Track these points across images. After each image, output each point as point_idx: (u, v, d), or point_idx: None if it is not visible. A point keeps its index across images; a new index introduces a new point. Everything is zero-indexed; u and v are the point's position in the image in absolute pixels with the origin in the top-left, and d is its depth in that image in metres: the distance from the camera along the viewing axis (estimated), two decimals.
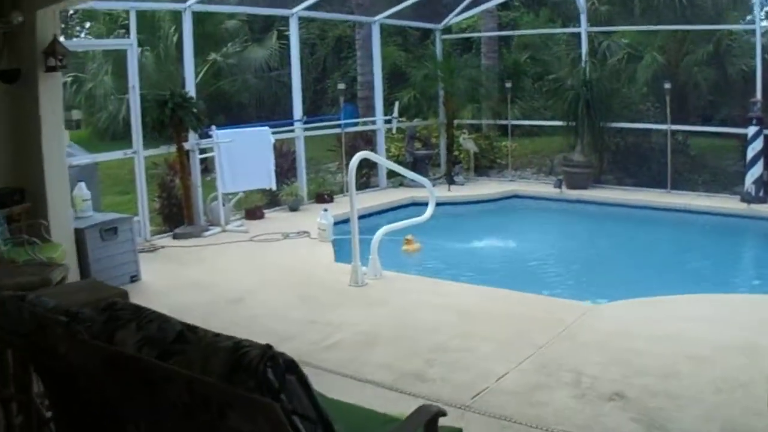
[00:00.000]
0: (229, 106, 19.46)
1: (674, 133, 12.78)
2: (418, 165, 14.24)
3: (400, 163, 14.65)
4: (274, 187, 11.16)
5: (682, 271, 9.16)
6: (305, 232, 10.06)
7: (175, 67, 16.27)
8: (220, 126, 11.16)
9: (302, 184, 12.29)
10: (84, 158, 9.99)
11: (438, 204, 13.29)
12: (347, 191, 13.46)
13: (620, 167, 13.50)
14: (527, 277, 8.91)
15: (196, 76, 11.30)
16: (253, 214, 11.29)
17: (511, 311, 6.72)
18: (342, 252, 8.75)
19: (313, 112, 14.09)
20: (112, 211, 9.04)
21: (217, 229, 10.37)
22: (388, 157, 14.70)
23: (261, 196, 12.32)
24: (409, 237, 9.86)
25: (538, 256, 10.01)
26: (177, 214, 10.58)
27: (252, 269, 8.48)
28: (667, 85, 12.34)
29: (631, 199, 12.44)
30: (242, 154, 10.63)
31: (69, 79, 17.72)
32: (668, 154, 12.58)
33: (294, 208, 11.80)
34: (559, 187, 13.04)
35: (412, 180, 9.02)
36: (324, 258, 8.79)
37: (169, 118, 9.82)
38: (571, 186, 13.14)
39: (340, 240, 9.75)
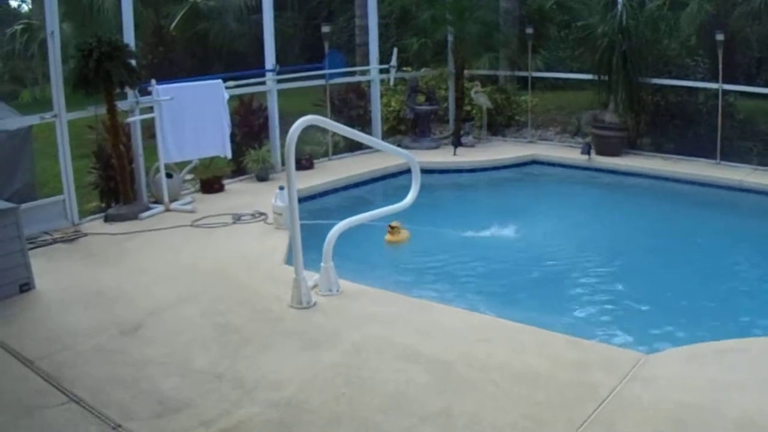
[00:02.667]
0: (219, 55, 16.90)
1: (725, 93, 10.11)
2: (420, 122, 11.87)
3: (400, 120, 12.20)
4: (228, 155, 8.70)
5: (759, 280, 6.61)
6: (262, 214, 7.65)
7: (146, 11, 13.74)
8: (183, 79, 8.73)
9: (275, 147, 9.82)
10: None
11: (439, 172, 11.04)
12: (333, 155, 11.54)
13: (659, 131, 10.88)
14: (545, 290, 6.51)
15: (173, 20, 8.77)
16: (210, 186, 8.89)
17: (517, 365, 4.34)
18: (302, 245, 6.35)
19: (313, 61, 11.58)
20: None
21: (160, 208, 7.98)
22: (388, 114, 12.26)
23: (228, 163, 9.85)
24: (394, 224, 7.39)
25: (561, 253, 7.53)
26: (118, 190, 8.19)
27: (175, 272, 6.19)
28: (720, 37, 9.73)
29: (675, 172, 9.92)
30: (189, 115, 8.28)
31: (19, 28, 15.18)
32: (718, 119, 10.00)
33: (262, 178, 9.40)
34: (588, 153, 10.50)
35: (396, 152, 6.35)
36: (273, 256, 6.42)
37: (94, 71, 7.42)
38: (602, 151, 10.60)
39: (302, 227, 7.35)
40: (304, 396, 4.01)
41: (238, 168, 9.76)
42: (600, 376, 4.07)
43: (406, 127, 12.43)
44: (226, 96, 8.68)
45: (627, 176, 10.14)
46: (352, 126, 11.40)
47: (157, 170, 8.20)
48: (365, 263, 6.89)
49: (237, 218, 7.60)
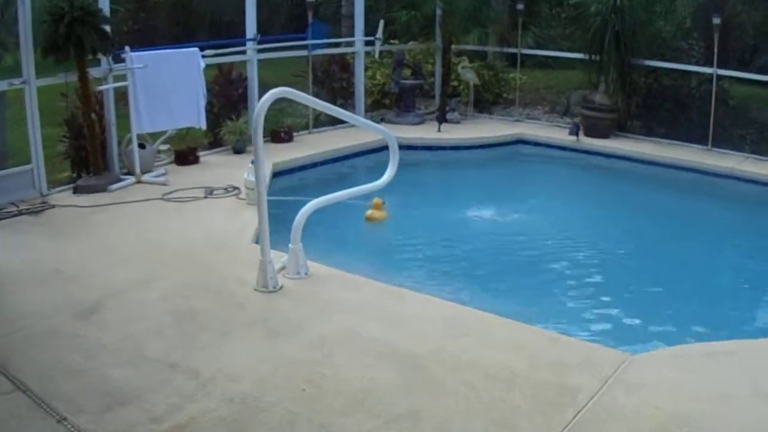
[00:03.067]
0: (204, 23, 16.37)
1: (719, 78, 9.79)
2: (405, 97, 11.50)
3: (384, 94, 11.82)
4: (203, 126, 8.30)
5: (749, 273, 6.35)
6: (235, 188, 7.30)
7: None
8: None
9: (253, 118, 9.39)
10: None
11: (422, 148, 10.64)
12: (314, 128, 11.14)
13: (651, 114, 10.57)
14: (528, 277, 6.17)
15: None
16: (185, 158, 8.51)
17: (493, 363, 4.01)
18: (274, 222, 5.92)
19: (300, 31, 11.16)
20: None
21: (131, 179, 7.62)
22: (373, 87, 11.94)
23: (205, 134, 9.45)
24: (377, 200, 7.06)
25: (546, 238, 7.23)
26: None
27: (140, 250, 5.84)
28: (716, 20, 9.36)
29: (665, 156, 9.59)
30: (163, 84, 7.86)
31: None
32: (712, 104, 9.67)
33: (239, 150, 9.03)
34: (576, 134, 10.18)
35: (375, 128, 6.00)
36: (242, 235, 6.09)
37: (65, 37, 7.03)
38: (591, 133, 10.29)
39: (275, 203, 7.00)
40: (261, 392, 3.70)
41: (215, 139, 9.36)
42: (581, 378, 3.79)
43: (391, 102, 12.06)
44: (203, 65, 8.27)
45: (615, 159, 9.82)
46: (334, 99, 11.08)
47: (130, 141, 7.79)
48: (339, 243, 6.58)
49: (209, 192, 7.26)
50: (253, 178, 6.38)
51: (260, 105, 4.60)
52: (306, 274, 5.07)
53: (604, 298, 5.83)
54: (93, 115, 7.56)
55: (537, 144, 10.68)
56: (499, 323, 4.48)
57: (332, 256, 5.77)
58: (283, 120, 10.33)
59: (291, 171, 8.84)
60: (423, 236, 7.15)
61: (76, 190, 7.40)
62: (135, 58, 7.66)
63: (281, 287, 4.91)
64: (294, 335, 4.30)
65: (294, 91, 4.93)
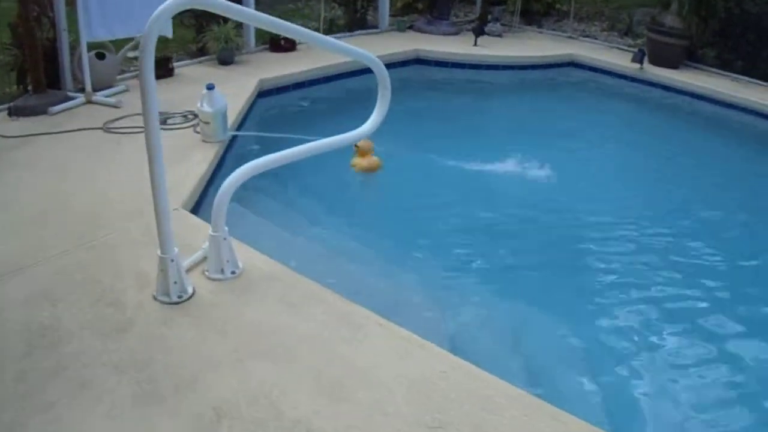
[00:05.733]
0: None
1: None
2: (439, 1, 9.41)
3: (408, 3, 9.81)
4: (169, 34, 6.46)
5: None
6: (196, 115, 5.55)
7: None
8: None
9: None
10: None
11: (452, 65, 8.65)
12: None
13: (729, 44, 8.40)
14: (557, 268, 4.37)
15: None
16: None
17: None
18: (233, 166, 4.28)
19: None
20: None
21: (80, 99, 5.92)
22: None
23: (192, 39, 7.65)
24: (363, 144, 5.29)
25: (588, 206, 5.41)
26: (47, 73, 6.13)
27: (38, 212, 4.22)
28: None
29: (745, 99, 7.54)
30: None
31: None
32: None
33: (224, 61, 7.28)
34: (640, 61, 8.13)
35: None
36: (177, 192, 4.32)
37: None
38: (657, 61, 8.27)
39: (242, 142, 5.35)
40: None
41: (200, 48, 7.57)
42: None
43: (424, 6, 10.04)
44: None
45: (685, 96, 7.84)
46: (354, 2, 9.11)
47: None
48: (307, 204, 4.89)
49: (163, 121, 5.52)
50: (208, 108, 4.73)
51: (154, 16, 2.80)
52: (233, 273, 3.39)
53: (656, 299, 4.06)
54: (33, 17, 5.82)
55: (592, 69, 8.71)
56: (493, 387, 2.74)
57: (293, 224, 4.27)
58: (293, 22, 8.44)
59: (283, 90, 7.10)
60: (426, 194, 5.39)
61: (11, 112, 5.79)
62: None
63: (191, 295, 3.24)
64: (178, 399, 2.65)
65: None
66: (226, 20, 7.41)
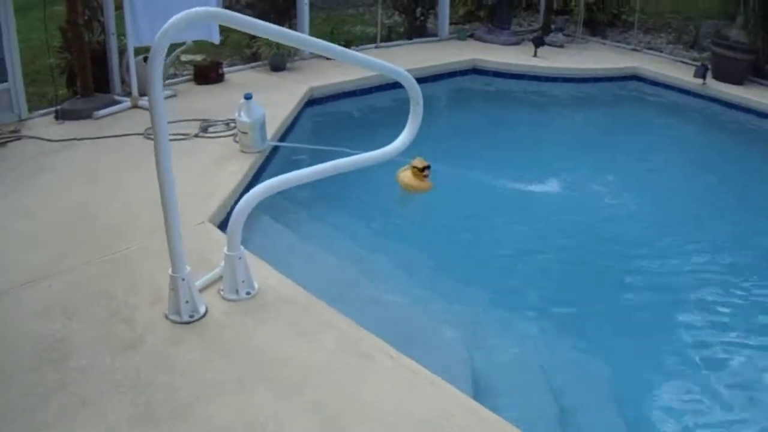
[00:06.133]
0: None
1: None
2: (501, 9, 9.21)
3: (481, 4, 9.62)
4: (215, 39, 6.45)
5: None
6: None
7: None
8: None
9: (302, 24, 7.52)
10: None
11: (509, 76, 8.29)
12: (383, 42, 8.74)
13: None
14: (615, 321, 4.11)
15: None
16: (206, 75, 6.80)
17: None
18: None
19: None
20: None
21: (126, 103, 5.97)
22: None
23: (248, 44, 7.66)
24: (418, 162, 5.11)
25: (651, 235, 5.08)
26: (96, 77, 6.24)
27: (65, 221, 4.19)
28: None
29: None
30: None
31: None
32: None
33: (277, 67, 7.24)
34: (703, 76, 7.79)
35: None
36: (206, 204, 4.29)
37: None
38: (721, 76, 7.91)
39: (286, 152, 5.29)
40: None
41: (253, 53, 7.57)
42: None
43: (485, 15, 9.86)
44: None
45: (749, 114, 7.44)
46: (414, 6, 8.98)
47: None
48: (341, 219, 4.78)
49: (204, 128, 5.50)
50: (245, 118, 4.66)
51: (162, 31, 2.73)
52: (248, 294, 3.30)
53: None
54: (82, 21, 5.90)
55: (655, 83, 8.36)
56: None
57: (325, 240, 4.14)
58: (349, 29, 8.39)
59: (334, 98, 7.00)
60: (467, 218, 5.21)
61: (59, 116, 5.89)
62: None
63: (203, 315, 3.16)
64: (172, 425, 2.60)
65: (229, 13, 2.98)
66: (286, 24, 7.37)
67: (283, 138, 5.77)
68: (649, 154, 6.76)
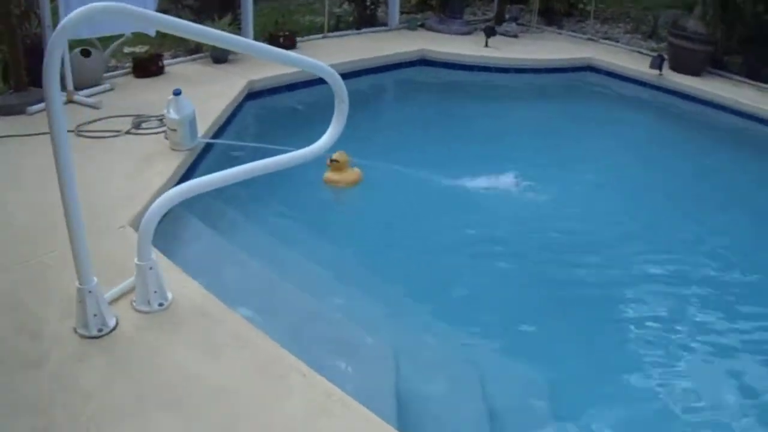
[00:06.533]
0: None
1: None
2: None
3: (423, 0, 9.47)
4: (151, 32, 6.22)
5: None
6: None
7: None
8: None
9: (247, 16, 7.32)
10: None
11: (459, 67, 8.05)
12: (331, 32, 8.34)
13: (756, 51, 7.92)
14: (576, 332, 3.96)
15: None
16: (145, 68, 6.55)
17: None
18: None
19: None
20: None
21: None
22: None
23: None
24: (338, 156, 4.99)
25: (607, 239, 4.90)
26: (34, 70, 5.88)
27: None
28: None
29: None
30: None
31: None
32: None
33: (218, 59, 7.03)
34: (659, 67, 7.72)
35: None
36: (130, 207, 4.12)
37: None
38: (678, 67, 7.87)
39: (221, 149, 5.11)
40: None
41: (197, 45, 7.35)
42: None
43: (437, 4, 9.72)
44: None
45: (706, 106, 7.38)
46: None
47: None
48: (277, 224, 4.60)
49: (137, 124, 5.30)
50: (174, 115, 4.47)
51: (57, 30, 2.55)
52: (161, 305, 3.14)
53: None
54: (18, 12, 5.67)
55: (609, 74, 8.29)
56: None
57: (252, 245, 4.04)
58: (295, 19, 8.18)
59: (275, 92, 6.82)
60: (405, 217, 5.04)
61: None
62: None
63: (113, 329, 3.00)
64: None
65: (129, 8, 2.75)
66: (221, 16, 7.17)
67: (219, 133, 5.60)
68: (600, 148, 6.66)
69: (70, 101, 5.86)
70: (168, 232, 3.87)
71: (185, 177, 4.71)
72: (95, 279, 2.93)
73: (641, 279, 4.43)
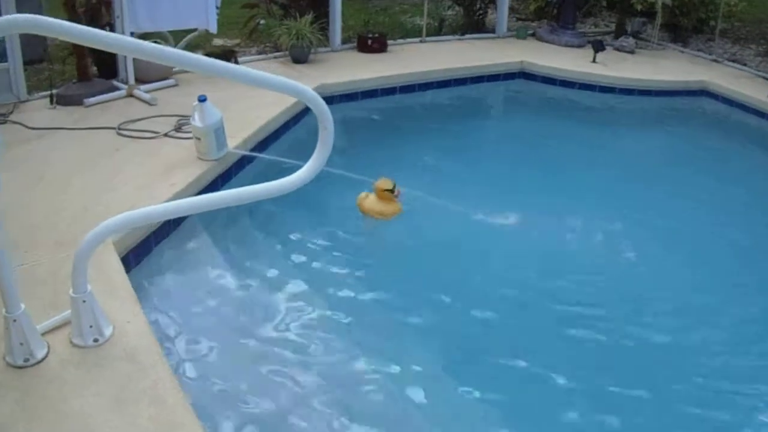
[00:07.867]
0: None
1: None
2: (566, 7, 8.50)
3: (541, 7, 8.96)
4: (212, 29, 6.12)
5: None
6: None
7: None
8: None
9: (335, 15, 7.10)
10: None
11: (560, 83, 7.54)
12: (429, 36, 7.94)
13: None
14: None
15: None
16: None
17: None
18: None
19: None
20: None
21: (122, 91, 5.76)
22: None
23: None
24: (383, 184, 4.63)
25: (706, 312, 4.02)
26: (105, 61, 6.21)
27: None
28: None
29: None
30: None
31: None
32: None
33: (298, 59, 6.83)
34: None
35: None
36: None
37: None
38: None
39: (259, 162, 4.91)
40: None
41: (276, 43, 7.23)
42: None
43: (554, 12, 9.18)
44: None
45: None
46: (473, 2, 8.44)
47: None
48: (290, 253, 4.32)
49: (177, 127, 5.20)
50: (199, 123, 4.31)
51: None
52: (96, 341, 2.95)
53: None
54: (85, 3, 5.74)
55: (727, 101, 7.47)
56: None
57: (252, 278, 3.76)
58: (398, 20, 7.90)
59: (350, 98, 6.55)
60: (451, 256, 4.53)
61: (53, 100, 5.72)
62: None
63: (41, 360, 2.85)
64: None
65: (31, 18, 2.40)
66: (305, 12, 6.97)
67: (267, 144, 5.39)
68: (705, 188, 5.68)
69: (130, 95, 5.86)
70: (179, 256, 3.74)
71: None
72: (23, 306, 2.78)
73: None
